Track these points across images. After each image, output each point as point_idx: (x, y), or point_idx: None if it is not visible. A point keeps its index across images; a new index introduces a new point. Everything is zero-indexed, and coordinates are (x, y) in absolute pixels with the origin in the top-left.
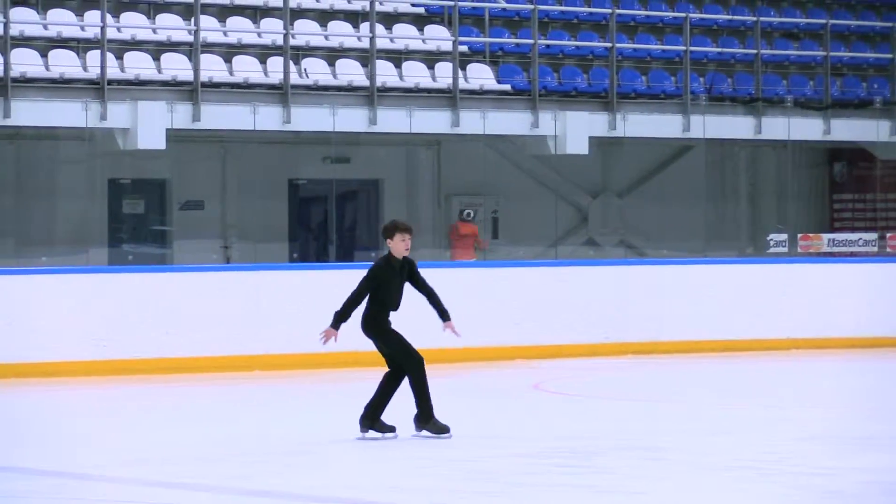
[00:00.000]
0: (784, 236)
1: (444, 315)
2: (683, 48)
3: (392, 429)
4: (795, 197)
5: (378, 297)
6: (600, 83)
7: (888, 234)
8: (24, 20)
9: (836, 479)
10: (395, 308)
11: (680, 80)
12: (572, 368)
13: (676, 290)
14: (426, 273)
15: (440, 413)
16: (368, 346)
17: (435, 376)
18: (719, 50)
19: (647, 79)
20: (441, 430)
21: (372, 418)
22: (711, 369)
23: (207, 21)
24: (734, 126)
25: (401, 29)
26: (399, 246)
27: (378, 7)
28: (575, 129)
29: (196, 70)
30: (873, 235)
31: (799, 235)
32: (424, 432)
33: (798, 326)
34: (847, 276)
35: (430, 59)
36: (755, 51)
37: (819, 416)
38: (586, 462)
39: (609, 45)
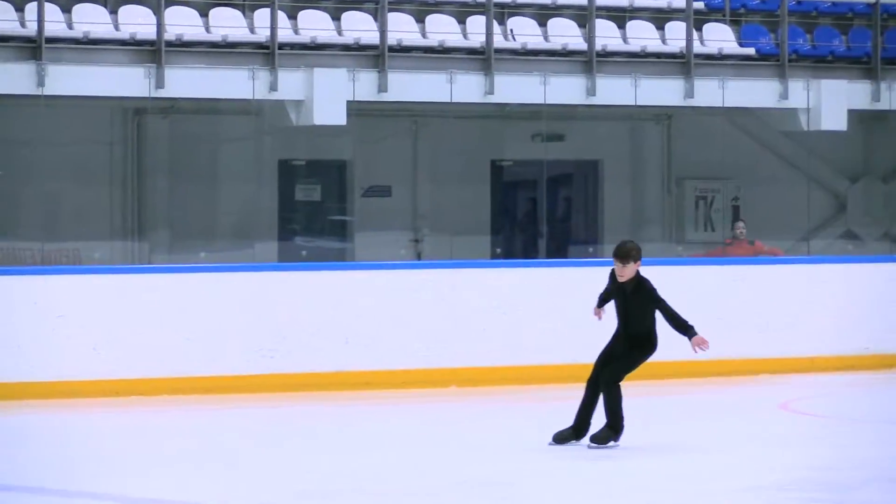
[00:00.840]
0: None
1: (688, 332)
2: None
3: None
4: None
5: None
6: (862, 46)
7: None
8: None
9: None
10: (621, 327)
11: None
12: (826, 384)
13: None
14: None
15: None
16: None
17: (664, 394)
18: None
19: None
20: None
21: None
22: None
23: None
24: None
25: None
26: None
27: None
28: (831, 101)
29: (383, 31)
30: None
31: None
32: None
33: None
34: None
35: (660, 17)
36: None
37: None
38: (844, 496)
39: (873, 0)
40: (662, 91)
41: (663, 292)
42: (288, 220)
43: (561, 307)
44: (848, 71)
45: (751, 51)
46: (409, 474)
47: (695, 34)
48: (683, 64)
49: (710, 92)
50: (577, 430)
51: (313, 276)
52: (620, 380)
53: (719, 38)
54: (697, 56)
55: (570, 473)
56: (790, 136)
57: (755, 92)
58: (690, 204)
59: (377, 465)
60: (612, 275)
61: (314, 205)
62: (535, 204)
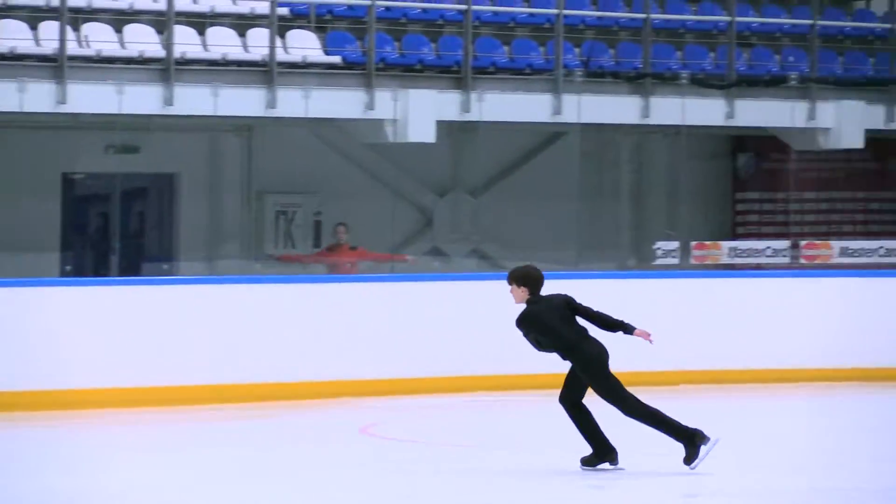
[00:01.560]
0: (675, 244)
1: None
2: (556, 11)
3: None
4: (690, 196)
5: None
6: (452, 55)
7: (803, 243)
8: None
9: None
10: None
11: (550, 51)
12: (411, 408)
13: None
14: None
15: None
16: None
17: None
18: (599, 14)
19: (510, 49)
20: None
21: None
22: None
23: None
24: (616, 108)
25: None
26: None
27: None
28: (419, 112)
29: None
30: (784, 244)
31: (693, 243)
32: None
33: (690, 357)
34: (753, 293)
35: (242, 24)
36: (643, 15)
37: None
38: None
39: (463, 7)
40: (243, 101)
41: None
42: None
43: (124, 327)
44: (437, 80)
45: (337, 59)
46: None
47: (278, 41)
48: (266, 73)
49: (293, 102)
50: (601, 453)
51: None
52: (628, 405)
53: (303, 45)
54: (280, 64)
55: None
56: (375, 148)
57: (340, 102)
58: (271, 219)
59: None
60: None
61: None
62: (107, 219)
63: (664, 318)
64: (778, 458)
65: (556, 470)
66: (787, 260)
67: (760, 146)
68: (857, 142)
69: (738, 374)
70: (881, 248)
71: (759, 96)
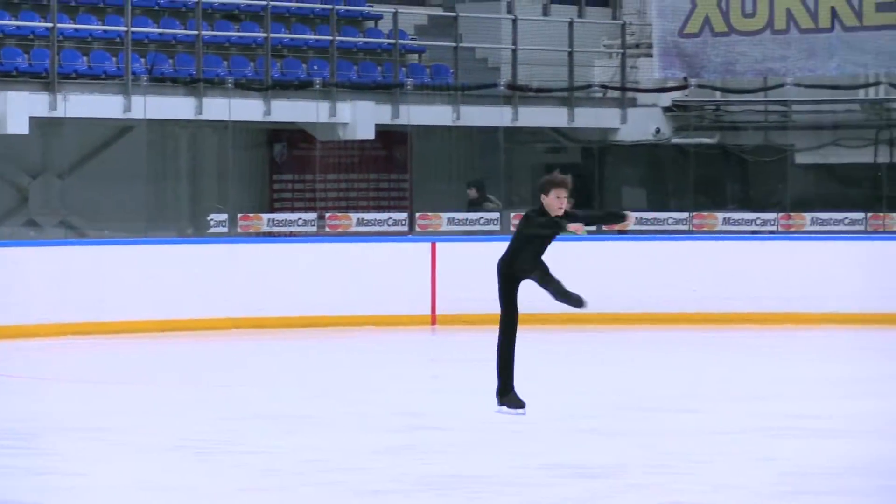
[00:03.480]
0: (224, 216)
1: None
2: (125, 28)
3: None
4: (236, 178)
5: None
6: (41, 63)
7: (327, 214)
8: None
9: (275, 457)
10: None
11: (121, 60)
12: (12, 350)
13: (118, 272)
14: None
15: None
16: None
17: None
18: (160, 31)
19: (89, 59)
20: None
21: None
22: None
23: None
24: (175, 107)
25: None
26: (553, 203)
27: None
28: (16, 110)
29: None
30: (312, 216)
31: (239, 215)
32: (504, 408)
33: (239, 305)
34: (286, 256)
35: None
36: (196, 32)
37: (267, 396)
38: (26, 444)
39: (50, 24)
40: None
41: None
42: None
43: None
44: (30, 84)
45: None
46: None
47: None
48: None
49: None
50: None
51: None
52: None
53: None
54: None
55: None
56: None
57: None
58: None
59: None
60: (541, 214)
61: None
62: None
63: (217, 276)
64: None
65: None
66: (314, 229)
67: (292, 138)
68: (369, 133)
69: (292, 321)
70: (390, 218)
71: (291, 97)
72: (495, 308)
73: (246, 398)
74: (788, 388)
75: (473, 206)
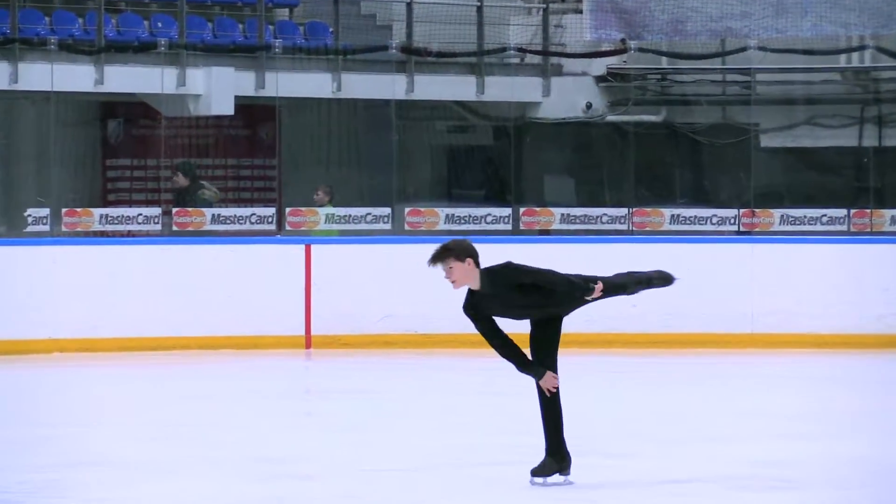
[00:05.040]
0: (46, 211)
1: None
2: None
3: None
4: (60, 162)
5: None
6: None
7: (174, 209)
8: None
9: None
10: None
11: None
12: None
13: None
14: None
15: None
16: None
17: None
18: None
19: None
20: None
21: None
22: None
23: None
24: None
25: None
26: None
27: None
28: None
29: None
30: (156, 211)
31: (63, 210)
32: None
33: (63, 324)
34: (128, 258)
35: None
36: None
37: (98, 437)
38: None
39: None
40: None
41: None
42: None
43: None
44: None
45: None
46: None
47: None
48: None
49: None
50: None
51: None
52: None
53: None
54: None
55: None
56: None
57: None
58: None
59: None
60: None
61: None
62: None
63: (36, 287)
64: None
65: None
66: (158, 227)
67: (130, 112)
68: (228, 108)
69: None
70: (253, 214)
71: (129, 62)
72: (384, 328)
73: (71, 439)
74: (747, 428)
75: (183, 195)
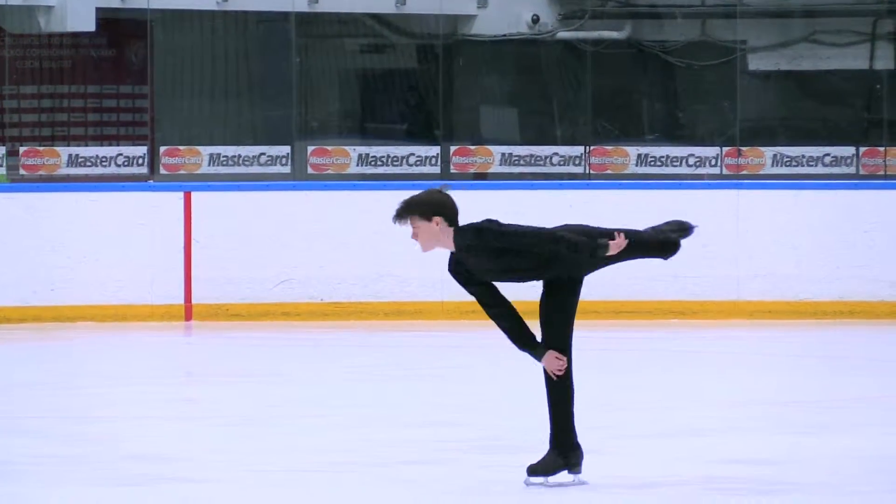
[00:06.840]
0: None
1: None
2: None
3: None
4: None
5: None
6: None
7: (22, 149)
8: None
9: None
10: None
11: None
12: None
13: None
14: None
15: None
16: None
17: None
18: None
19: None
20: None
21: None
22: None
23: None
24: None
25: None
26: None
27: None
28: None
29: None
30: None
31: None
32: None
33: None
34: None
35: None
36: None
37: None
38: None
39: None
40: None
41: None
42: None
43: None
44: None
45: None
46: None
47: None
48: None
49: None
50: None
51: None
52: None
53: None
54: None
55: None
56: None
57: None
58: None
59: None
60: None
61: None
62: None
63: None
64: None
65: None
66: (2, 171)
67: None
68: (88, 23)
69: None
70: (120, 155)
71: None
72: (281, 295)
73: None
74: (728, 419)
75: None
